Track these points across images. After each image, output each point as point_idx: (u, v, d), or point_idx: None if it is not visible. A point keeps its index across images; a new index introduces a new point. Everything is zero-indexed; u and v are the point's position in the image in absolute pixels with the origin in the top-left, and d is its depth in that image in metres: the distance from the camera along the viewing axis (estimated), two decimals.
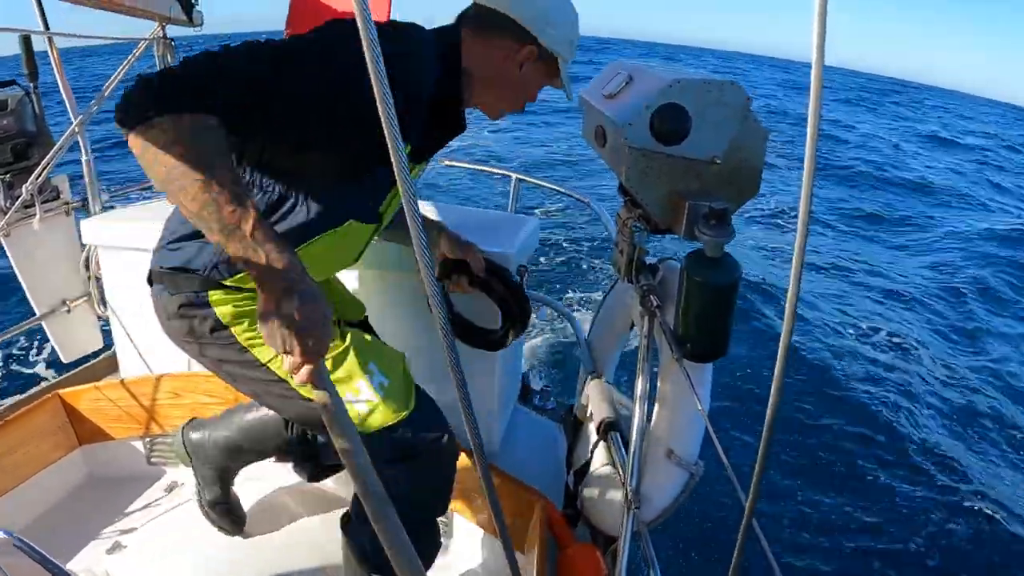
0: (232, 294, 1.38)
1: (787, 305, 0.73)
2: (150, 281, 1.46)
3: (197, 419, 1.93)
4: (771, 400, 0.79)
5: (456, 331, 1.77)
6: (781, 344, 0.74)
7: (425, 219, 1.77)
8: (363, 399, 1.40)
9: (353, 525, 1.53)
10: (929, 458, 5.58)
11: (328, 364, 1.39)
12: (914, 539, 4.63)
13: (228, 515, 1.91)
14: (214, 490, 1.88)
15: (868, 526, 4.71)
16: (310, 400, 1.17)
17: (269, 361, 1.39)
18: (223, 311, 1.37)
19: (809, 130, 0.62)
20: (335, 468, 1.93)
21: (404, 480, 1.39)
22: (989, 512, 4.96)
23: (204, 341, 1.40)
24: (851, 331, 8.02)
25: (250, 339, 1.38)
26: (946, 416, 6.42)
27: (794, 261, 0.69)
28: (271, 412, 1.78)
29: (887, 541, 4.59)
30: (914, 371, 7.21)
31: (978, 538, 4.72)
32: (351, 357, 1.42)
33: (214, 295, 1.37)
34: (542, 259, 8.73)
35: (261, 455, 1.88)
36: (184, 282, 1.37)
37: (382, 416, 1.40)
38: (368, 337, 1.52)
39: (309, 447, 1.86)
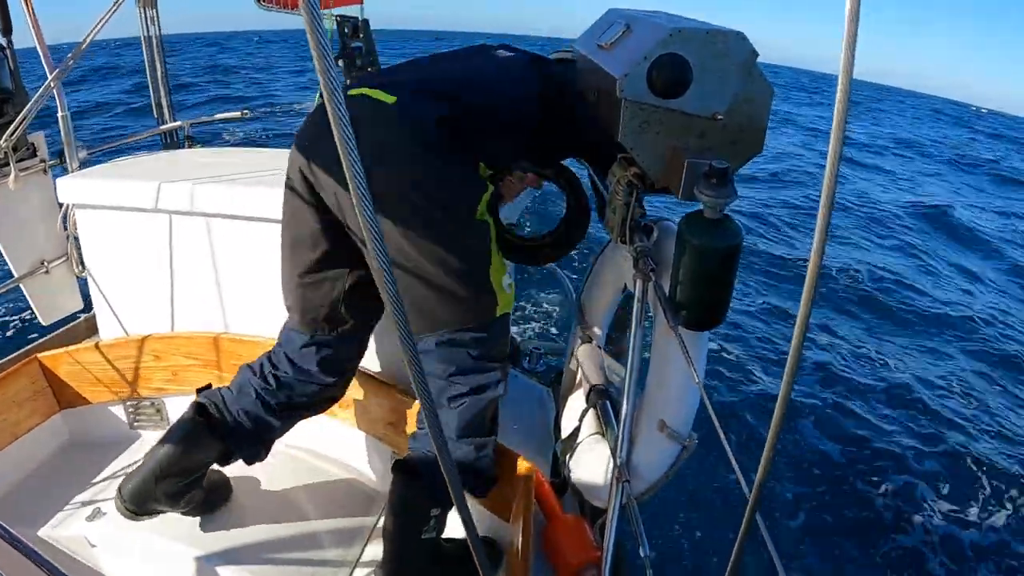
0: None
1: (807, 278, 0.65)
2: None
3: (122, 482, 1.73)
4: (784, 380, 0.71)
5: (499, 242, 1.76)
6: (798, 322, 0.67)
7: None
8: (507, 282, 1.57)
9: (414, 470, 1.60)
10: (946, 456, 5.52)
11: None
12: (918, 533, 4.60)
13: (210, 504, 1.86)
14: (191, 507, 1.79)
15: (872, 518, 4.67)
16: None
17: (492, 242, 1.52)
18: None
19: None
20: (277, 437, 1.84)
21: (501, 380, 1.57)
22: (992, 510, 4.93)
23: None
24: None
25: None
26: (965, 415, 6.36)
27: (817, 231, 0.61)
28: (182, 436, 1.71)
29: (892, 532, 4.56)
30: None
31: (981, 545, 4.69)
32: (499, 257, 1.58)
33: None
34: (532, 218, 8.69)
35: (204, 472, 1.78)
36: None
37: (511, 300, 1.58)
38: None
39: (250, 433, 1.76)
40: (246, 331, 2.17)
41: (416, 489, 1.58)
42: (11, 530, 1.11)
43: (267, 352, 1.79)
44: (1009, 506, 5.04)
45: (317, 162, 1.51)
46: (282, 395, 1.75)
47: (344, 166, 0.66)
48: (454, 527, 1.70)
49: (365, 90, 1.53)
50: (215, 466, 1.81)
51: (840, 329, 7.48)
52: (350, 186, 0.67)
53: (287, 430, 1.83)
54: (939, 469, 5.34)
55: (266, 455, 1.83)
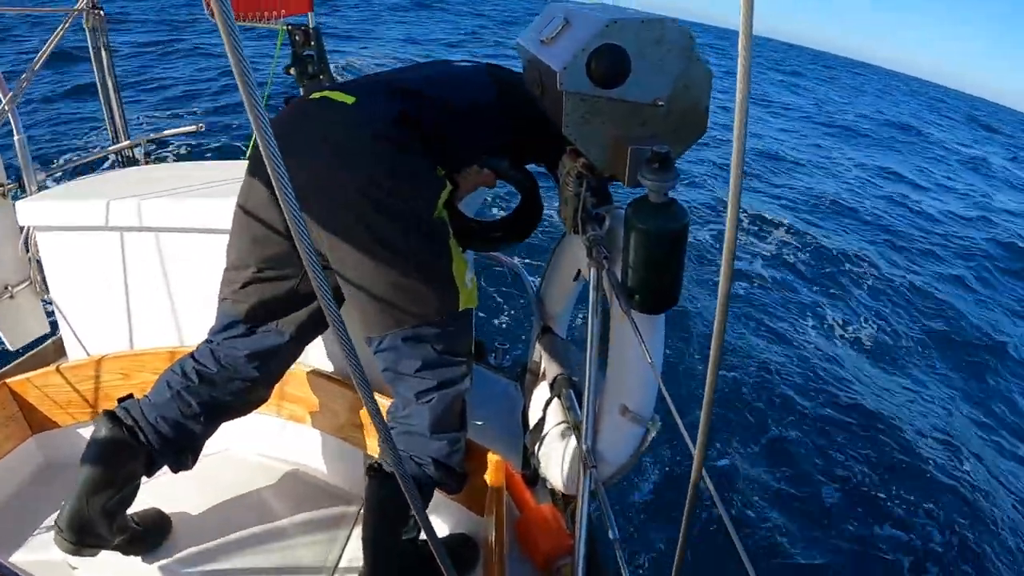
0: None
1: (724, 254, 0.68)
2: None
3: (56, 521, 1.62)
4: (712, 346, 0.74)
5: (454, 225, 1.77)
6: (720, 293, 0.69)
7: None
8: (469, 277, 1.60)
9: (386, 473, 1.61)
10: (893, 421, 5.69)
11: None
12: (865, 505, 4.72)
13: (151, 539, 1.81)
14: (120, 528, 1.70)
15: (822, 484, 4.81)
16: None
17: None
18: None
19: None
20: (203, 441, 1.78)
21: (467, 375, 1.61)
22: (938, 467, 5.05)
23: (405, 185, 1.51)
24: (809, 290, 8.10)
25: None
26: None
27: (729, 209, 0.63)
28: (100, 452, 1.65)
29: (841, 499, 4.70)
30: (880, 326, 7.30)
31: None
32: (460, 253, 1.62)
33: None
34: (489, 212, 8.71)
35: (135, 486, 1.70)
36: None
37: (474, 296, 1.62)
38: None
39: (173, 439, 1.69)
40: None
41: (392, 490, 1.57)
42: None
43: (191, 352, 1.75)
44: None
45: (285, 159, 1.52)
46: (204, 393, 1.70)
47: (268, 168, 0.67)
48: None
49: (326, 93, 1.56)
50: (152, 503, 1.79)
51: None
52: (275, 186, 0.68)
53: (210, 434, 1.78)
54: (901, 431, 5.54)
55: (193, 463, 1.76)
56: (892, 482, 4.95)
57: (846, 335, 7.36)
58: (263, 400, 1.81)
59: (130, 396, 1.75)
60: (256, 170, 1.61)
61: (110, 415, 1.67)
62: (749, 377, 5.80)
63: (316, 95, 1.58)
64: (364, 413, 1.97)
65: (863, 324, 7.73)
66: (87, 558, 1.74)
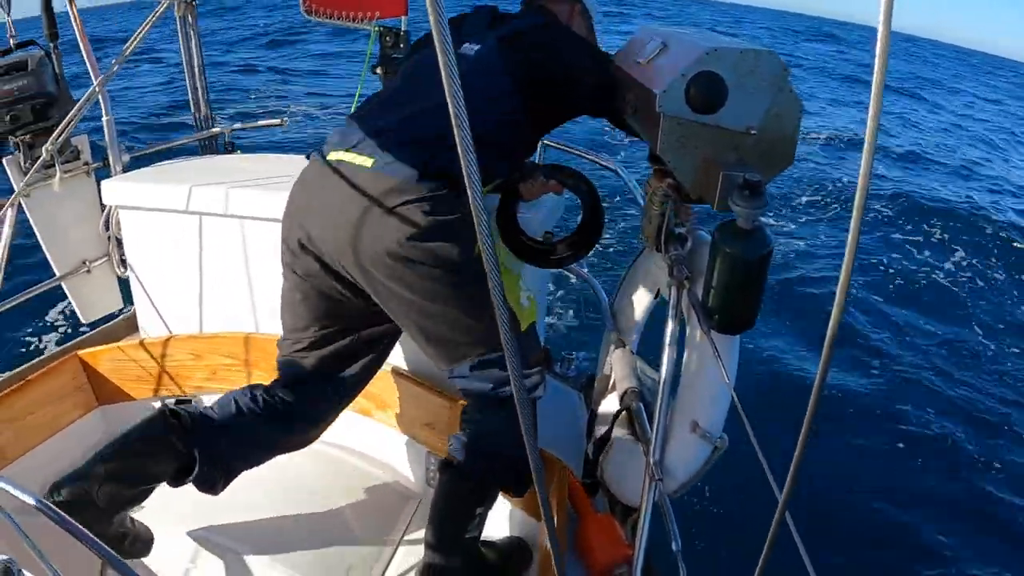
0: None
1: (841, 279, 0.71)
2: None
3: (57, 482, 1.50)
4: (816, 382, 0.76)
5: (514, 245, 1.80)
6: (831, 322, 0.72)
7: None
8: (525, 295, 1.69)
9: (461, 470, 1.63)
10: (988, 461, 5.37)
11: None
12: (956, 541, 4.50)
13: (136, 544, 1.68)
14: (110, 517, 1.58)
15: (908, 523, 4.58)
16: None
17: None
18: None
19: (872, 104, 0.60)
20: (240, 469, 1.73)
21: (539, 380, 1.64)
22: None
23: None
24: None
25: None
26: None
27: (851, 234, 0.66)
28: (143, 437, 1.59)
29: (927, 542, 4.47)
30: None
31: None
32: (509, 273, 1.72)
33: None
34: (569, 225, 8.67)
35: (150, 488, 1.62)
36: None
37: (534, 311, 1.70)
38: None
39: (222, 454, 1.66)
40: (276, 330, 2.23)
41: (465, 488, 1.62)
42: (70, 518, 1.17)
43: (267, 383, 1.79)
44: None
45: (314, 227, 1.56)
46: (264, 424, 1.70)
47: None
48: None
49: (341, 154, 1.55)
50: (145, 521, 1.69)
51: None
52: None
53: (251, 466, 1.75)
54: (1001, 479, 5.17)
55: (222, 489, 1.68)
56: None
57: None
58: (311, 442, 1.84)
59: (188, 401, 1.72)
60: (296, 247, 1.62)
61: (168, 411, 1.62)
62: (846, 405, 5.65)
63: (332, 157, 1.56)
64: (433, 410, 2.02)
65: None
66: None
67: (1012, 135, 21.92)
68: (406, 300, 1.52)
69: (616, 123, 1.79)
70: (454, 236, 1.48)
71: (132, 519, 1.69)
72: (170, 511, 1.91)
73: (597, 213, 1.79)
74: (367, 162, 1.51)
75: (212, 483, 1.65)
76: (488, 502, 1.65)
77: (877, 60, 0.59)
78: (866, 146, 0.63)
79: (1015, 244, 10.38)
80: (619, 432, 1.68)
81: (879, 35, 0.59)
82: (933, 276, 9.10)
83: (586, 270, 2.42)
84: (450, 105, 0.62)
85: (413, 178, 1.46)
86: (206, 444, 1.61)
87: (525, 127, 1.72)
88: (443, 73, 0.61)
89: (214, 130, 2.86)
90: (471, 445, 1.63)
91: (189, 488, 1.91)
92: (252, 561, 1.75)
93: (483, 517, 1.65)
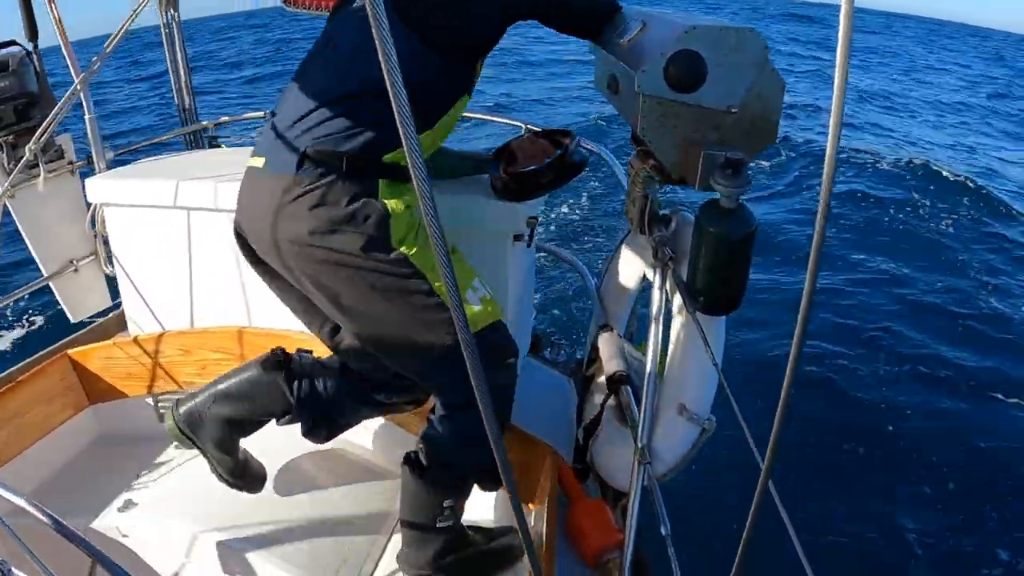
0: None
1: (811, 254, 0.70)
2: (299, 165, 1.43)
3: (181, 398, 1.77)
4: (792, 353, 0.76)
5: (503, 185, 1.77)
6: (804, 295, 0.71)
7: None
8: (478, 296, 1.53)
9: (421, 465, 1.62)
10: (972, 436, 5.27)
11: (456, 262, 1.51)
12: (942, 510, 4.51)
13: (247, 477, 1.86)
14: (226, 461, 1.79)
15: (892, 498, 4.61)
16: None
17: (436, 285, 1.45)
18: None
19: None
20: (346, 425, 1.88)
21: (495, 379, 1.49)
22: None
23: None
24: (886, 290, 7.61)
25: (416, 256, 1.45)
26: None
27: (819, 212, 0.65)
28: (255, 374, 1.73)
29: (912, 516, 4.48)
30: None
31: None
32: (463, 260, 1.57)
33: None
34: (554, 211, 8.65)
35: (261, 421, 1.78)
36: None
37: (493, 311, 1.54)
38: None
39: (320, 404, 1.77)
40: (268, 324, 2.23)
41: (424, 482, 1.61)
42: (59, 519, 1.17)
43: None
44: None
45: (248, 234, 1.56)
46: (365, 380, 1.75)
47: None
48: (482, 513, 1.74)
49: (252, 158, 1.55)
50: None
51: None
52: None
53: (356, 421, 1.84)
54: (976, 443, 5.14)
55: (327, 438, 1.81)
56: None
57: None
58: (420, 401, 1.83)
59: (309, 352, 1.81)
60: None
61: (284, 357, 1.73)
62: (821, 389, 5.58)
63: (250, 161, 1.57)
64: (430, 401, 2.00)
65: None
66: (137, 530, 1.83)
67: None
68: (332, 302, 1.48)
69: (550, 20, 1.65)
70: (352, 224, 1.41)
71: (247, 453, 1.84)
72: (166, 504, 1.92)
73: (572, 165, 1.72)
74: (260, 163, 1.50)
75: (315, 434, 1.78)
76: (456, 494, 1.63)
77: (841, 37, 0.58)
78: (832, 127, 0.62)
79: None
80: (608, 416, 1.68)
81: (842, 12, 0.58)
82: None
83: (571, 254, 2.41)
84: (386, 75, 0.59)
85: (292, 172, 1.42)
86: (309, 397, 1.71)
87: (428, 68, 1.51)
88: (379, 50, 0.59)
89: (197, 125, 2.85)
90: (433, 442, 1.61)
91: (185, 481, 1.93)
92: (247, 553, 1.75)
93: (455, 508, 1.63)
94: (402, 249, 1.43)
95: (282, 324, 2.14)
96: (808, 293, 0.73)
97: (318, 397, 1.73)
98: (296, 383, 1.71)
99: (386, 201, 1.44)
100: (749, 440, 1.12)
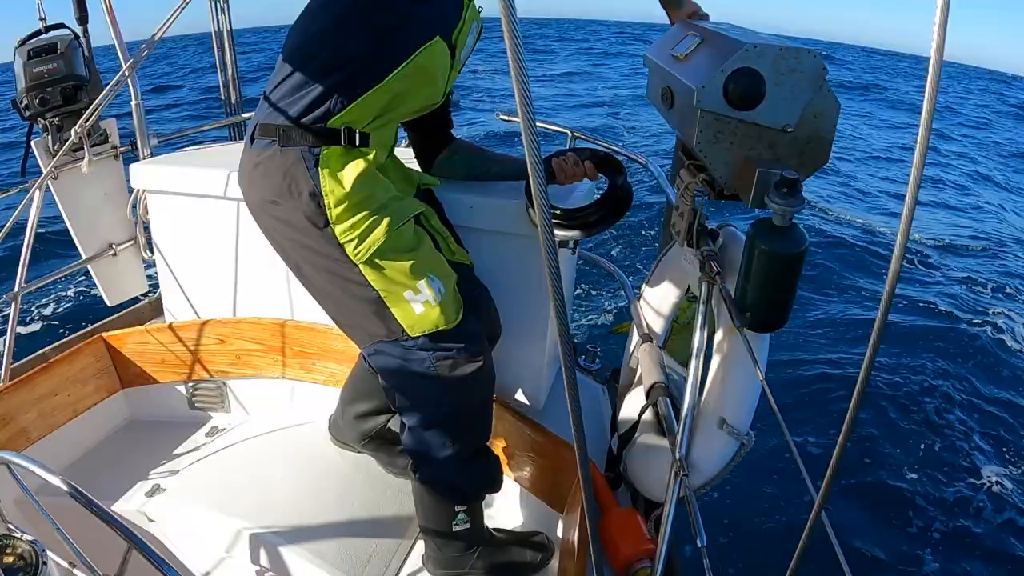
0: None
1: (889, 274, 0.70)
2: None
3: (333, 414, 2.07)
4: (858, 384, 0.75)
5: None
6: (877, 322, 0.71)
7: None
8: (421, 299, 1.48)
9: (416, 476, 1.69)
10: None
11: (401, 257, 1.47)
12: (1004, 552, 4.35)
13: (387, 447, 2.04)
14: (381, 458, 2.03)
15: (951, 525, 4.44)
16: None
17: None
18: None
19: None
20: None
21: (443, 398, 1.54)
22: None
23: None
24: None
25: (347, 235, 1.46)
26: None
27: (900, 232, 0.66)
28: (360, 368, 1.94)
29: (967, 546, 4.33)
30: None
31: None
32: (419, 258, 1.49)
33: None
34: None
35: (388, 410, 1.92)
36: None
37: (435, 319, 1.48)
38: (432, 246, 1.59)
39: None
40: (310, 318, 2.24)
41: (426, 490, 1.64)
42: (92, 497, 1.18)
43: None
44: None
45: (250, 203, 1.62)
46: None
47: None
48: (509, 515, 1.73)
49: None
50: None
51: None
52: None
53: None
54: None
55: None
56: None
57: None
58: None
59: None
60: None
61: None
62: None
63: None
64: None
65: None
66: (165, 515, 1.86)
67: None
68: (298, 272, 1.59)
69: None
70: (289, 197, 1.45)
71: (389, 429, 2.02)
72: (193, 491, 1.93)
73: (622, 187, 1.73)
74: (249, 139, 1.57)
75: None
76: (465, 499, 1.66)
77: (928, 88, 0.58)
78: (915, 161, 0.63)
79: None
80: (644, 426, 1.68)
81: (931, 62, 0.59)
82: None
83: (613, 264, 2.42)
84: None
85: (250, 145, 1.53)
86: None
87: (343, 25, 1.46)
88: None
89: (243, 116, 2.88)
90: (416, 455, 1.64)
91: (213, 470, 1.95)
92: (274, 543, 1.77)
93: (468, 511, 1.65)
94: (338, 228, 1.44)
95: (325, 319, 2.16)
96: (883, 313, 0.73)
97: None
98: None
99: (331, 173, 1.44)
100: (796, 457, 1.12)
